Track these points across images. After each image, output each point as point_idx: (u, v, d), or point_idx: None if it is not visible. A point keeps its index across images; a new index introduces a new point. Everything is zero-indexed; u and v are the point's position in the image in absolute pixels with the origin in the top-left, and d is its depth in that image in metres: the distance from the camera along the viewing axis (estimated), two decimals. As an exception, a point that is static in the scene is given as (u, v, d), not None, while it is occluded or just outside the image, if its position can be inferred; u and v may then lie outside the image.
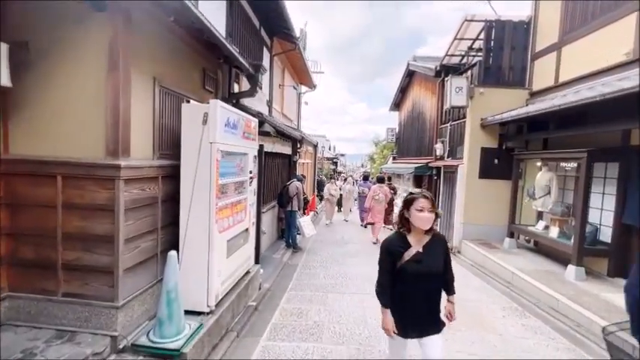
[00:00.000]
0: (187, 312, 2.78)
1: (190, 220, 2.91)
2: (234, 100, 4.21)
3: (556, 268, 5.39)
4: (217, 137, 2.90)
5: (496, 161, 7.14)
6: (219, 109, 2.90)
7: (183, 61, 3.40)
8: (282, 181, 7.77)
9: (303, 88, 14.34)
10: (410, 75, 12.52)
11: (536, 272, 5.17)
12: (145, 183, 2.73)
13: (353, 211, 12.46)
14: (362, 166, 43.93)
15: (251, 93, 4.15)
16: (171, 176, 3.04)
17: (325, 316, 3.91)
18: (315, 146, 13.35)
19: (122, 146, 2.46)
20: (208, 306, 2.98)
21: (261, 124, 4.36)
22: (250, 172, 3.91)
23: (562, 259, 5.60)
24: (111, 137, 2.43)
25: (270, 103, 8.63)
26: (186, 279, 2.81)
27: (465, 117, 7.71)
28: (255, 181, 4.17)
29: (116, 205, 2.42)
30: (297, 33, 8.63)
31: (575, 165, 5.52)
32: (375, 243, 7.93)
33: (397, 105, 14.96)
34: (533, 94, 6.97)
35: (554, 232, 5.58)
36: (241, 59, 3.76)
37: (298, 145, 8.82)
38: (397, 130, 15.66)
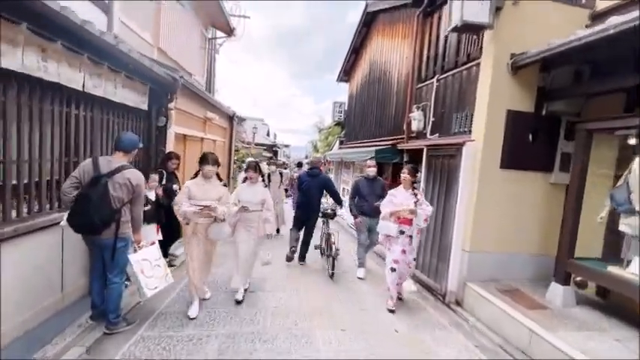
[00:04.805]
0: None
1: None
2: None
3: None
4: None
5: (530, 137, 3.91)
6: None
7: None
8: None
9: (218, 34, 9.96)
10: (368, 24, 8.96)
11: None
12: None
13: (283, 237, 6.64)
14: (306, 157, 40.30)
15: None
16: None
17: None
18: (232, 118, 9.09)
19: None
20: None
21: None
22: None
23: None
24: None
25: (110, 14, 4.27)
26: None
27: (471, 60, 4.35)
28: None
29: None
30: None
31: None
32: None
33: (348, 73, 11.35)
34: (596, 17, 3.83)
35: None
36: None
37: (171, 98, 4.62)
38: (347, 106, 12.13)
